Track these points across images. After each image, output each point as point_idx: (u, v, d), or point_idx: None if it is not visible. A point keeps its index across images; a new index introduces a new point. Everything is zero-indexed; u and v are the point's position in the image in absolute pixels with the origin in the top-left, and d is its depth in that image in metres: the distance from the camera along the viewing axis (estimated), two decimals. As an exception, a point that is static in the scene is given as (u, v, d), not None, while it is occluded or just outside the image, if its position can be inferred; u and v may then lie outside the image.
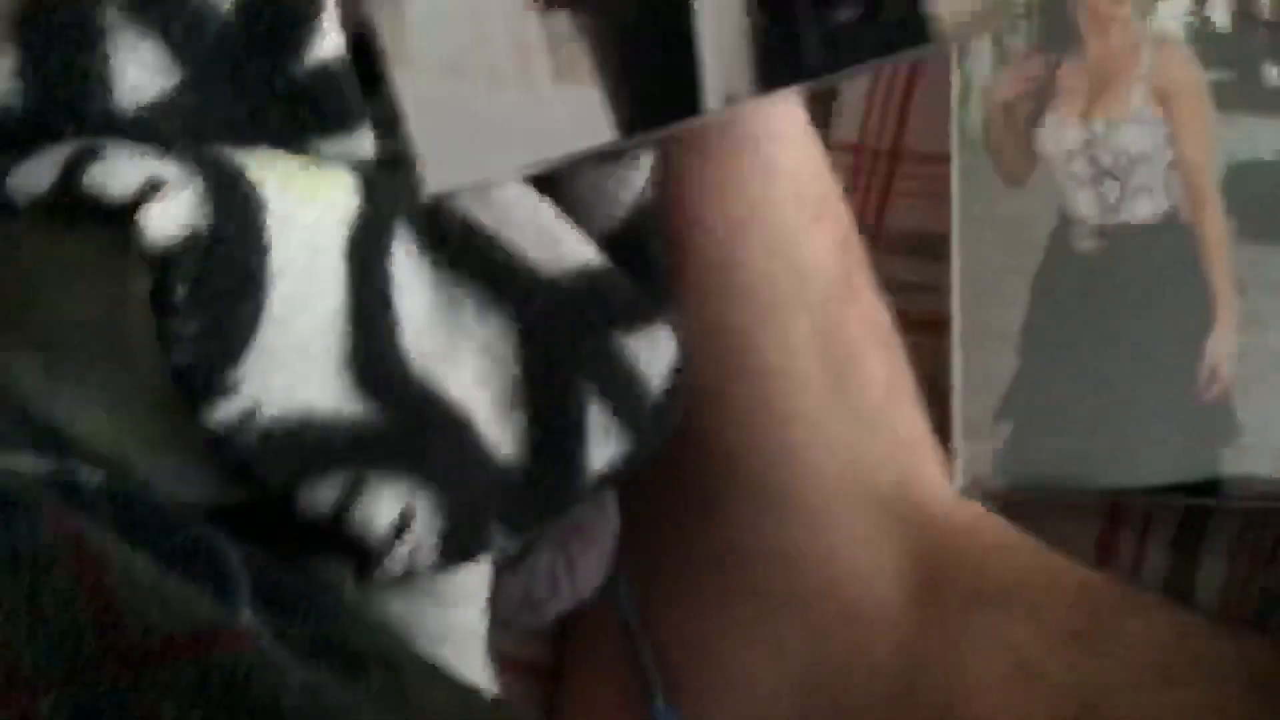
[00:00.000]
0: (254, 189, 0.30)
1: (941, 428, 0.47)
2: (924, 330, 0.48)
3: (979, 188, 0.48)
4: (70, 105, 0.30)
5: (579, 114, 0.36)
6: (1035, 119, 0.48)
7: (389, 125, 0.34)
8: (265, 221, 0.30)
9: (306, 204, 0.31)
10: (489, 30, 0.35)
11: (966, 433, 0.46)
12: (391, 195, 0.34)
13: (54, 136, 0.30)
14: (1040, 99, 0.48)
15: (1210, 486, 0.47)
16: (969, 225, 0.47)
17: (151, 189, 0.28)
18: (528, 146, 0.36)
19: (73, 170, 0.28)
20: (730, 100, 0.37)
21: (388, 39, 0.34)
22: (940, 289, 0.48)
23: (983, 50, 0.48)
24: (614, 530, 0.40)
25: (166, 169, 0.28)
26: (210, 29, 0.31)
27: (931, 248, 0.49)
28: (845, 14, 0.37)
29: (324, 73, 0.32)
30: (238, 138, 0.32)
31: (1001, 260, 0.47)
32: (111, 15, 0.31)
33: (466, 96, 0.35)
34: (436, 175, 0.34)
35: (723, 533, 0.43)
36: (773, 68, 0.37)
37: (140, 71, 0.31)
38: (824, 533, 0.42)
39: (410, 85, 0.35)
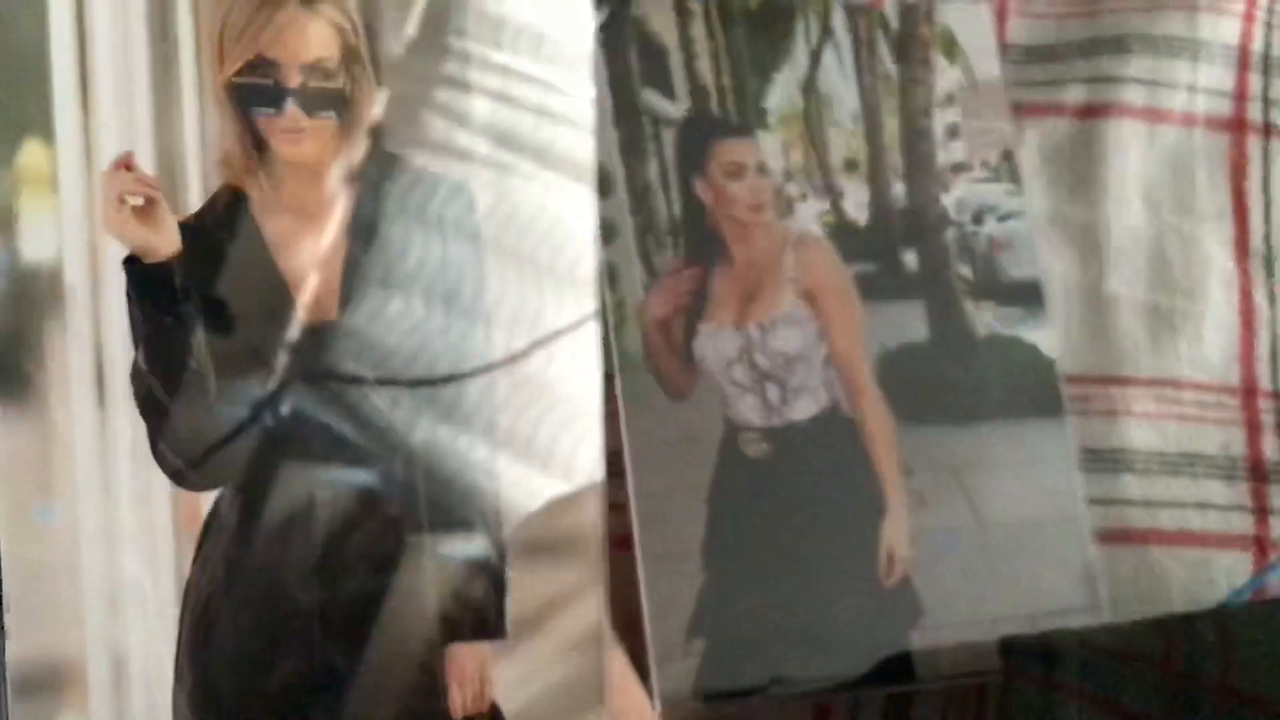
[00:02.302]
0: None
1: (640, 649, 0.47)
2: (616, 549, 0.48)
3: (644, 406, 0.48)
4: None
5: None
6: (691, 331, 0.49)
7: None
8: None
9: None
10: None
11: (659, 656, 0.46)
12: None
13: None
14: (693, 311, 0.49)
15: (904, 669, 0.48)
16: (639, 445, 0.48)
17: None
18: None
19: None
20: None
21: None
22: (627, 507, 0.48)
23: (633, 271, 0.49)
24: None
25: None
26: None
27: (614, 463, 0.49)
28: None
29: None
30: None
31: (676, 477, 0.48)
32: None
33: None
34: None
35: None
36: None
37: None
38: None
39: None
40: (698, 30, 0.52)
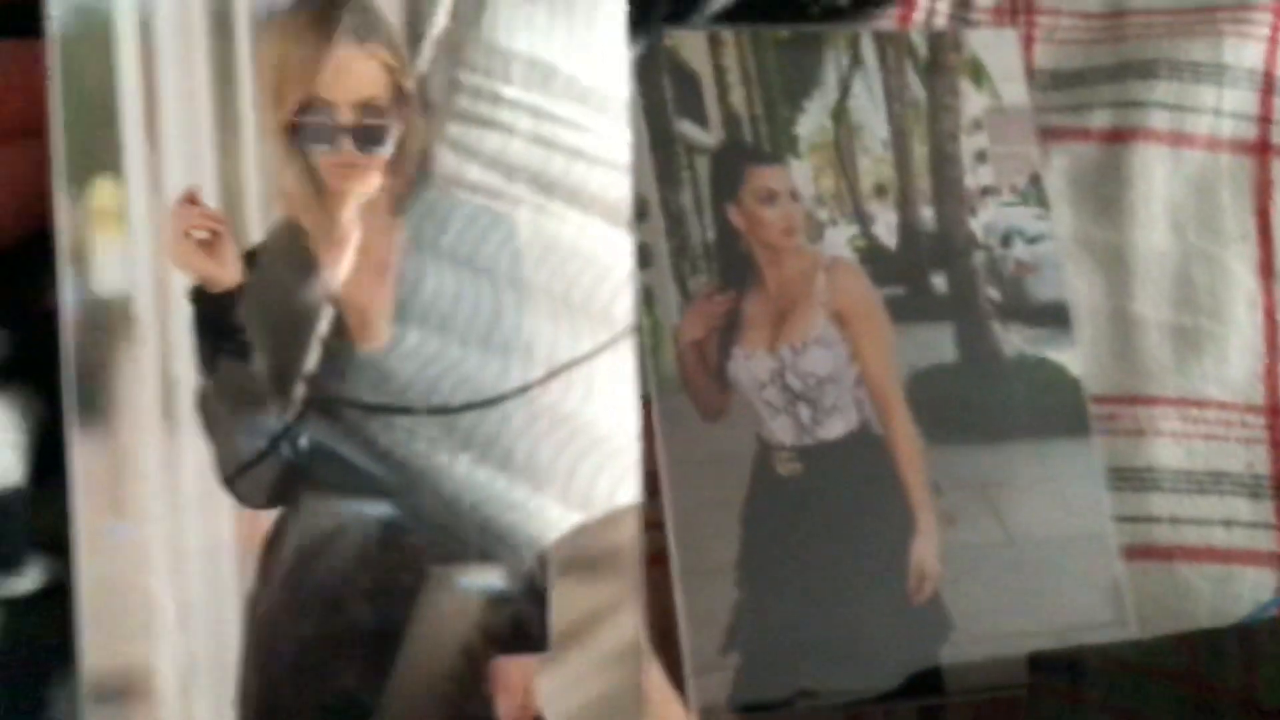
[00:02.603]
0: None
1: (675, 661, 0.48)
2: (652, 565, 0.50)
3: (679, 426, 0.50)
4: None
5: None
6: (725, 354, 0.51)
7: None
8: None
9: None
10: None
11: (695, 668, 0.48)
12: (52, 627, 0.34)
13: None
14: (727, 334, 0.51)
15: (935, 683, 0.49)
16: (674, 464, 0.49)
17: None
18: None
19: None
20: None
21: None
22: (663, 525, 0.50)
23: (669, 295, 0.51)
24: None
25: None
26: None
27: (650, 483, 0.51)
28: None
29: None
30: None
31: (710, 495, 0.49)
32: None
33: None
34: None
35: None
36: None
37: None
38: None
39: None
40: (730, 60, 0.53)
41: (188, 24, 0.37)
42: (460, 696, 0.39)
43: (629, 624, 0.41)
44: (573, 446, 0.41)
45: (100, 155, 0.35)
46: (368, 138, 0.38)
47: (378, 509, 0.38)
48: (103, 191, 0.36)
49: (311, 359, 0.38)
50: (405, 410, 0.39)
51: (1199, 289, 0.54)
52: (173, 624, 0.36)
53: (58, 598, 0.36)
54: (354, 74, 0.38)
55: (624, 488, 0.41)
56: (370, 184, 0.39)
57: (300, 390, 0.38)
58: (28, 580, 0.34)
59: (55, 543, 0.37)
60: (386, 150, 0.39)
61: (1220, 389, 0.53)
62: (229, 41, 0.37)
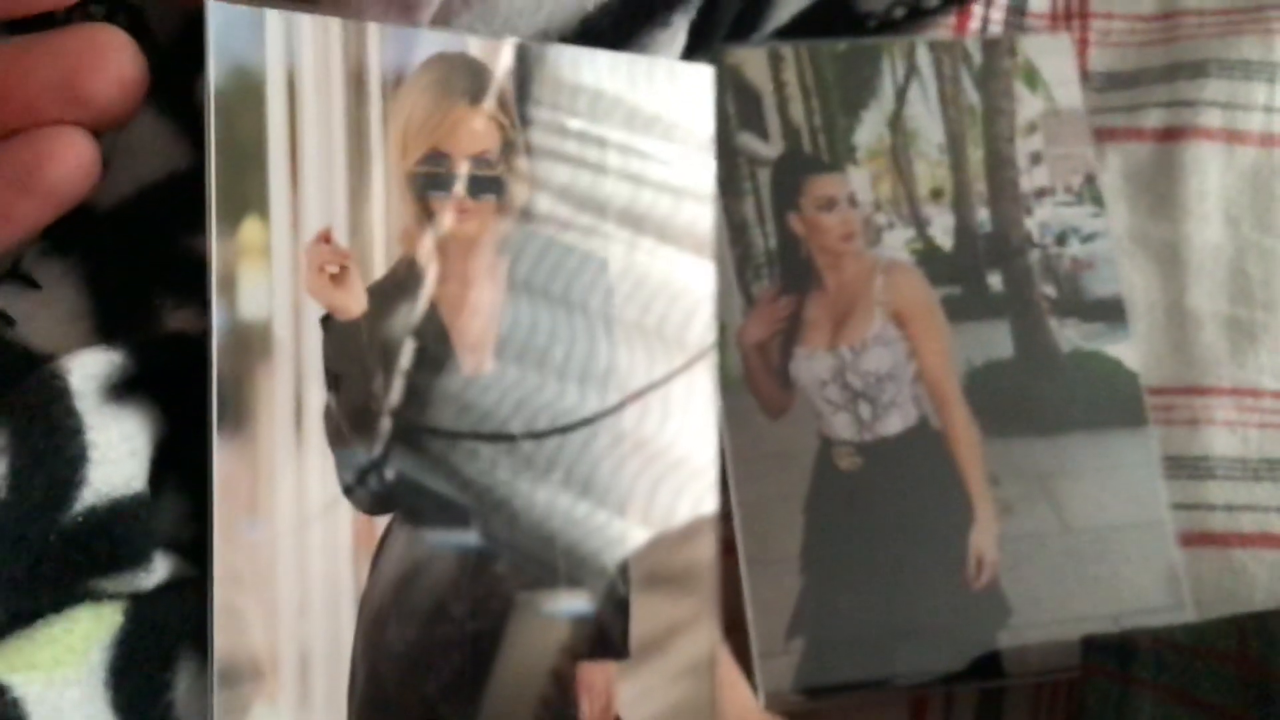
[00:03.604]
0: None
1: (743, 646, 0.51)
2: (722, 553, 0.52)
3: (745, 424, 0.53)
4: None
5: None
6: (787, 355, 0.54)
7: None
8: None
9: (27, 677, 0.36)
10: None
11: (762, 652, 0.51)
12: (175, 616, 0.38)
13: None
14: (789, 336, 0.54)
15: (995, 667, 0.51)
16: (740, 460, 0.52)
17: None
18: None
19: None
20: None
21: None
22: (730, 517, 0.53)
23: (733, 300, 0.54)
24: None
25: None
26: None
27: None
28: None
29: (95, 518, 0.37)
30: (18, 592, 0.36)
31: (774, 489, 0.52)
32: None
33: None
34: None
35: None
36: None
37: None
38: None
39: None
40: (789, 74, 0.56)
41: (328, 84, 0.41)
42: (549, 716, 0.43)
43: (705, 638, 0.45)
44: (653, 469, 0.45)
45: (249, 197, 0.40)
46: (479, 186, 0.43)
47: (464, 537, 0.42)
48: (250, 229, 0.40)
49: (402, 387, 0.42)
50: (498, 438, 0.42)
51: (1253, 281, 0.56)
52: (294, 616, 0.40)
53: (179, 591, 0.40)
54: (468, 130, 0.43)
55: (704, 504, 0.45)
56: (480, 226, 0.43)
57: (387, 422, 0.42)
58: (155, 576, 0.38)
59: (174, 543, 0.41)
60: (495, 197, 0.43)
61: (1275, 379, 0.54)
62: (363, 100, 0.42)
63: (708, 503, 0.45)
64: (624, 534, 0.44)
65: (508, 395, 0.43)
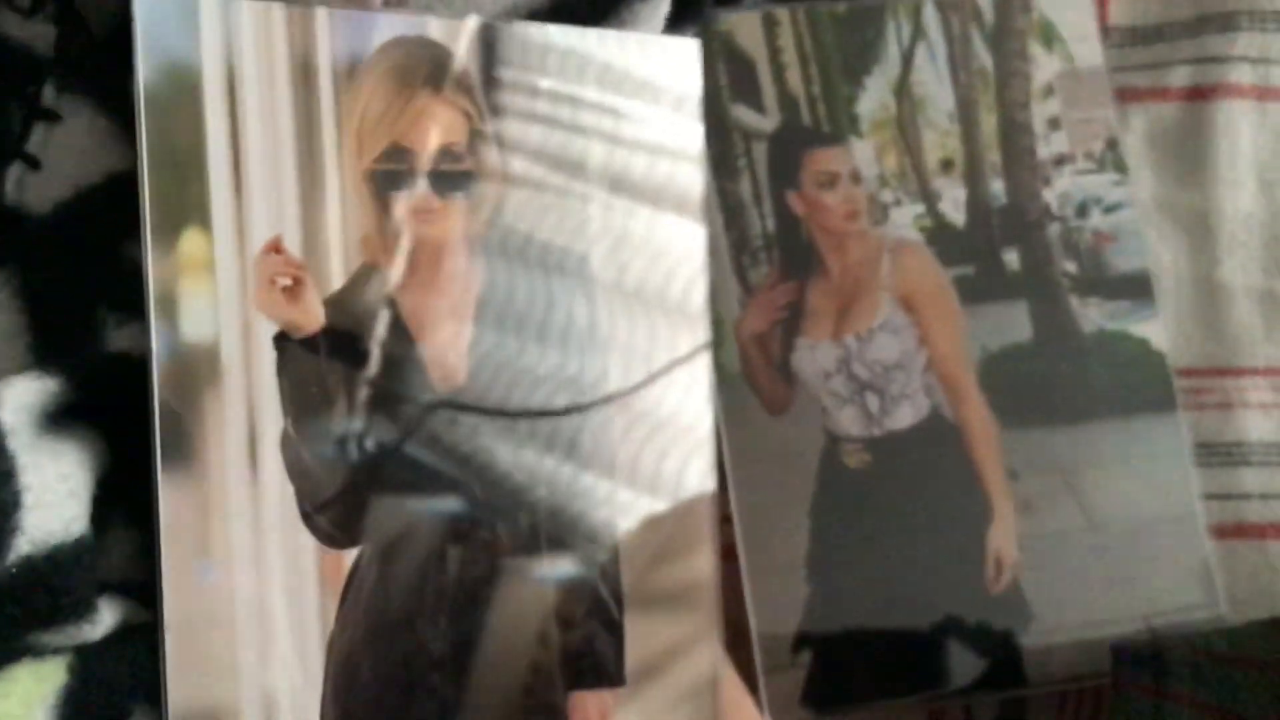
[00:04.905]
0: None
1: (748, 659, 0.48)
2: (723, 557, 0.49)
3: (744, 422, 0.49)
4: None
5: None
6: (788, 346, 0.50)
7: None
8: None
9: None
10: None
11: (767, 667, 0.47)
12: (126, 669, 0.36)
13: None
14: (790, 326, 0.50)
15: (1016, 675, 0.48)
16: (740, 460, 0.49)
17: None
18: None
19: None
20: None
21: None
22: (731, 519, 0.49)
23: (729, 288, 0.50)
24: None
25: None
26: None
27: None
28: None
29: (32, 568, 0.34)
30: None
31: (777, 490, 0.49)
32: None
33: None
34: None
35: None
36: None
37: None
38: None
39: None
40: (785, 40, 0.52)
41: (272, 77, 0.37)
42: (540, 689, 0.39)
43: (706, 657, 0.41)
44: (638, 431, 0.41)
45: (189, 206, 0.36)
46: (446, 183, 0.39)
47: (446, 504, 0.39)
48: (191, 241, 0.36)
49: (367, 408, 0.38)
50: (468, 461, 0.39)
51: (1290, 252, 0.52)
52: (256, 663, 0.37)
53: (129, 640, 0.37)
54: (432, 121, 0.38)
55: (696, 464, 0.41)
56: (448, 228, 0.39)
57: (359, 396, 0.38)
58: (101, 626, 0.36)
59: (124, 584, 0.38)
60: (464, 195, 0.39)
61: (1314, 358, 0.51)
62: (312, 92, 0.38)
63: (700, 462, 0.42)
64: (613, 497, 0.41)
65: (483, 408, 0.39)
